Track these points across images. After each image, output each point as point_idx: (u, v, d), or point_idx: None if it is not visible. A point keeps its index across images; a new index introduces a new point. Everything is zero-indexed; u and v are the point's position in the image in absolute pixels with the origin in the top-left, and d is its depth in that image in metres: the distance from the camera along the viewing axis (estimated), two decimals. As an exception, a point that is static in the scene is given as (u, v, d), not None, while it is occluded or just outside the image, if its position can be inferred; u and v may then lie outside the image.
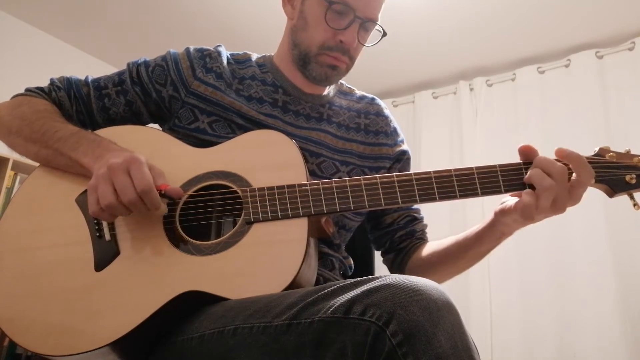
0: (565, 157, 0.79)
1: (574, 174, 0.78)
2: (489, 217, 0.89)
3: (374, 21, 0.99)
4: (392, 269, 1.09)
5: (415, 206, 1.11)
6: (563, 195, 0.77)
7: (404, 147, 1.12)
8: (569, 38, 2.96)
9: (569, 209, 0.79)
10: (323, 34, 0.96)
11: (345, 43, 0.96)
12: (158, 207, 0.78)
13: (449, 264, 0.97)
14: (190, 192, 0.84)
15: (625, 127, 2.73)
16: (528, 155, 0.82)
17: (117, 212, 0.77)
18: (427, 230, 1.11)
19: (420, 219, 1.10)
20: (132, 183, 0.75)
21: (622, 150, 0.83)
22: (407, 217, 1.08)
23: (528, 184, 0.79)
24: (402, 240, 1.07)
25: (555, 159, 0.80)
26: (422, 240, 1.08)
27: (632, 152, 0.83)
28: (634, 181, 0.80)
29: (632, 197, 0.81)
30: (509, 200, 0.84)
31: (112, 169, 0.76)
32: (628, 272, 2.53)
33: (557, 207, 0.78)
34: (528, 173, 0.79)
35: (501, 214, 0.85)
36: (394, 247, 1.08)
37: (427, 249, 1.03)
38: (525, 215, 0.79)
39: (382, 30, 1.01)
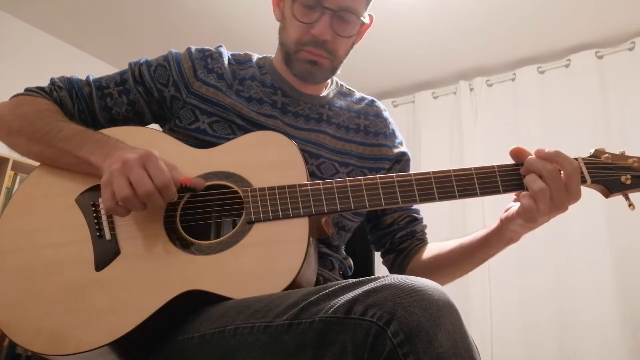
0: (544, 157, 0.80)
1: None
2: (494, 223, 0.89)
3: (346, 10, 0.95)
4: (392, 270, 1.09)
5: (415, 206, 1.11)
6: (560, 194, 0.78)
7: (404, 148, 1.12)
8: (569, 38, 2.96)
9: (570, 209, 0.80)
10: (297, 30, 0.97)
11: (316, 36, 0.95)
12: (174, 198, 0.79)
13: (453, 267, 0.97)
14: (191, 193, 0.84)
15: (625, 127, 2.73)
16: (520, 158, 0.83)
17: (133, 206, 0.76)
18: (426, 230, 1.11)
19: (420, 219, 1.10)
20: (149, 176, 0.75)
21: (617, 152, 0.85)
22: (407, 218, 1.08)
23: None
24: (402, 241, 1.07)
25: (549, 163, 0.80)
26: (423, 241, 1.08)
27: (627, 154, 0.84)
28: (629, 182, 0.82)
29: (627, 198, 0.83)
30: (512, 206, 0.85)
31: (127, 164, 0.76)
32: (628, 272, 2.53)
33: (557, 206, 0.78)
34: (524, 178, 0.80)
35: (506, 221, 0.85)
36: (395, 248, 1.08)
37: (430, 252, 1.03)
38: (528, 219, 0.80)
39: (359, 18, 0.98)
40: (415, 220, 1.09)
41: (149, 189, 0.75)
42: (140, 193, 0.75)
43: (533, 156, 0.81)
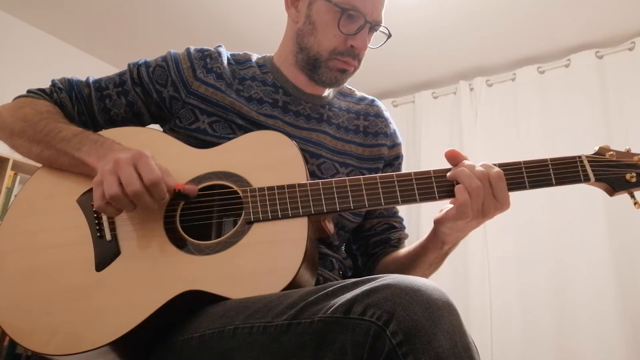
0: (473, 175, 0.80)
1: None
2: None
3: (380, 23, 0.99)
4: (363, 273, 1.08)
5: (400, 214, 1.11)
6: (488, 199, 0.79)
7: (400, 151, 1.12)
8: (569, 38, 2.96)
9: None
10: (334, 40, 0.96)
11: (356, 48, 0.97)
12: (164, 197, 0.78)
13: (406, 271, 0.97)
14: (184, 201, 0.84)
15: (625, 127, 2.73)
16: (456, 160, 0.83)
17: (122, 205, 0.77)
18: (405, 239, 1.10)
19: (400, 228, 1.09)
20: (138, 175, 0.76)
21: (622, 149, 0.84)
22: (385, 225, 1.08)
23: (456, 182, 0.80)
24: (375, 246, 1.07)
25: (479, 166, 0.81)
26: (396, 248, 1.07)
27: (633, 151, 0.83)
28: (634, 179, 0.81)
29: (632, 196, 0.82)
30: (444, 208, 0.85)
31: (118, 163, 0.76)
32: (628, 272, 2.53)
33: (484, 211, 0.79)
34: (454, 172, 0.81)
35: (438, 222, 0.86)
36: (368, 252, 1.08)
37: (391, 256, 1.03)
38: (460, 214, 0.80)
39: (387, 32, 1.01)
40: (393, 228, 1.08)
41: (137, 188, 0.75)
42: (129, 192, 0.75)
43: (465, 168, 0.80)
